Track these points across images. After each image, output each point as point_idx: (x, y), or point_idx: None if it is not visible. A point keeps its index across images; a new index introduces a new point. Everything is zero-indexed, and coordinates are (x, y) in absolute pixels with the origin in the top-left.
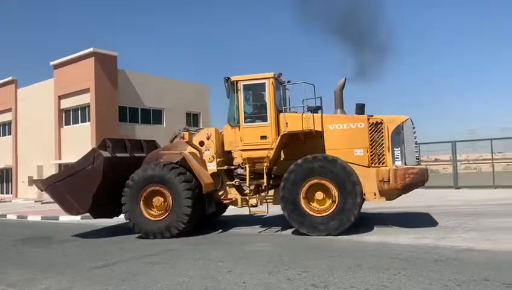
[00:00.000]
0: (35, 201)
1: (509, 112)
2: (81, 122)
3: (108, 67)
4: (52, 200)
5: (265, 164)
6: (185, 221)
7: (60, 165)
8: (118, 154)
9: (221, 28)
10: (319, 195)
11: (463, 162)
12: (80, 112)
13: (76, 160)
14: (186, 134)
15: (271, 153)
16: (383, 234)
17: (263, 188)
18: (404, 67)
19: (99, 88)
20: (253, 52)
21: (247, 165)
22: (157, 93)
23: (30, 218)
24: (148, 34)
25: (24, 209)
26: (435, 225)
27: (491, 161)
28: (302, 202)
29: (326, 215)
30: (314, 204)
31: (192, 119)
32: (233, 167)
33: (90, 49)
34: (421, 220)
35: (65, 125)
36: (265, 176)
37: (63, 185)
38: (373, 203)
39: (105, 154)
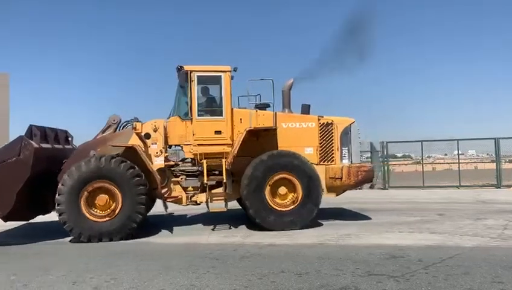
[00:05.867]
0: None
1: None
2: None
3: None
4: None
5: (227, 160)
6: (138, 221)
7: None
8: (43, 145)
9: None
10: (283, 190)
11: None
12: None
13: None
14: (139, 124)
15: (235, 149)
16: (194, 235)
17: (208, 185)
18: None
19: None
20: None
21: (204, 161)
22: None
23: None
24: None
25: None
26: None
27: None
28: (268, 198)
29: (290, 209)
30: (277, 199)
31: None
32: (179, 163)
33: None
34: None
35: None
36: (224, 172)
37: None
38: None
39: (35, 144)
